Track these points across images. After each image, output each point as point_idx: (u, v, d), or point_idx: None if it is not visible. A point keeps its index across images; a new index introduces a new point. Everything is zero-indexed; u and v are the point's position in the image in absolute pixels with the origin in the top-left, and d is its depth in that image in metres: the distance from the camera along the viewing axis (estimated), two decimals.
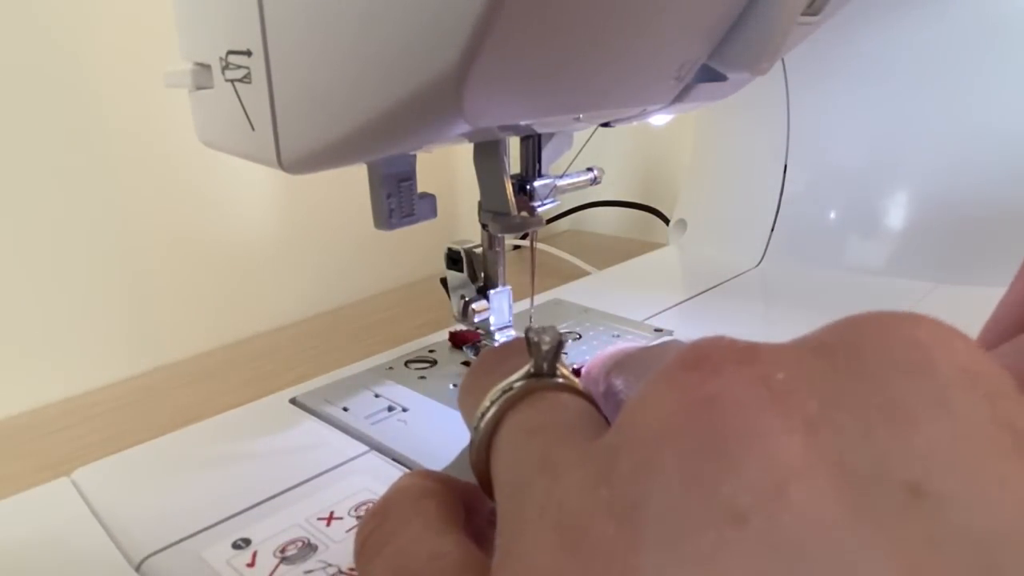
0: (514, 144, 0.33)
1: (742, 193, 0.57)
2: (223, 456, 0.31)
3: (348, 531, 0.26)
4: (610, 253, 0.66)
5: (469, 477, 0.15)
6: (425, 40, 0.18)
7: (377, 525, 0.14)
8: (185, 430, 0.34)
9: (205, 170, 0.50)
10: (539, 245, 0.61)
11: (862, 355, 0.10)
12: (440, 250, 0.37)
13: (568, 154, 0.35)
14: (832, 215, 0.52)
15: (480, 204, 0.34)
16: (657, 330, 0.42)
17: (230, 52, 0.23)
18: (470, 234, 0.38)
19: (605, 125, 0.30)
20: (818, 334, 0.11)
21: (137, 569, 0.25)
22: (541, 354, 0.14)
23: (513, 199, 0.32)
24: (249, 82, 0.22)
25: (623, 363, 0.15)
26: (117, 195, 0.46)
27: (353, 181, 0.32)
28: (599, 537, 0.10)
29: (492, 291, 0.36)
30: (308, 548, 0.25)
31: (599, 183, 0.36)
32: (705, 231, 0.59)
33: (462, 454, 0.16)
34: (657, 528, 0.09)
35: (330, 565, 0.24)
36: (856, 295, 0.47)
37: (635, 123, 0.30)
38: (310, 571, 0.24)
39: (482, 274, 0.36)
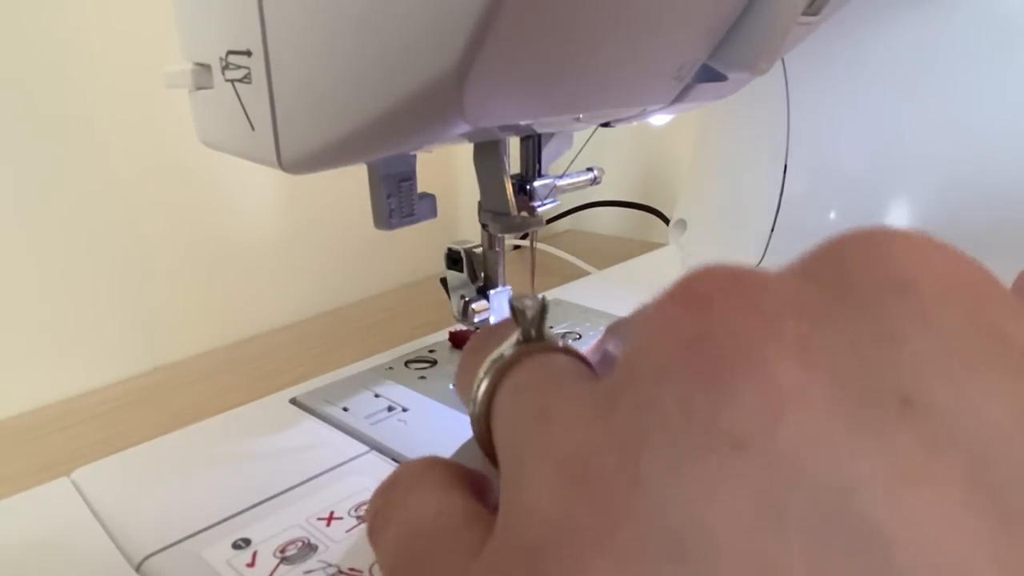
0: (514, 144, 0.33)
1: (742, 193, 0.57)
2: (223, 456, 0.31)
3: (348, 531, 0.26)
4: (610, 253, 0.66)
5: (472, 468, 0.15)
6: (425, 40, 0.18)
7: (385, 496, 0.15)
8: (185, 430, 0.34)
9: (206, 170, 0.50)
10: (539, 245, 0.61)
11: (848, 276, 0.10)
12: (440, 250, 0.37)
13: (568, 154, 0.35)
14: (832, 215, 0.52)
15: (480, 204, 0.34)
16: None
17: (230, 52, 0.23)
18: (470, 234, 0.38)
19: (605, 125, 0.30)
20: (805, 258, 0.11)
21: (137, 569, 0.25)
22: (527, 320, 0.14)
23: (513, 199, 0.32)
24: (249, 82, 0.22)
25: (615, 327, 0.15)
26: (117, 195, 0.46)
27: (353, 181, 0.32)
28: (600, 471, 0.10)
29: (492, 291, 0.36)
30: (308, 548, 0.25)
31: (599, 183, 0.36)
32: (705, 231, 0.59)
33: (462, 447, 0.16)
34: (657, 459, 0.09)
35: (330, 565, 0.24)
36: None
37: (635, 123, 0.30)
38: (310, 571, 0.24)
39: (482, 274, 0.36)
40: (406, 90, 0.19)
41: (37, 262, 0.44)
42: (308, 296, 0.58)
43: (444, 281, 0.38)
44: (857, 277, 0.10)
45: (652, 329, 0.11)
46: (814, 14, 0.25)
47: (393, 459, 0.30)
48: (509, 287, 0.37)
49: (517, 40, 0.18)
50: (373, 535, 0.14)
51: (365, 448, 0.31)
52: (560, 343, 0.14)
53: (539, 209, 0.33)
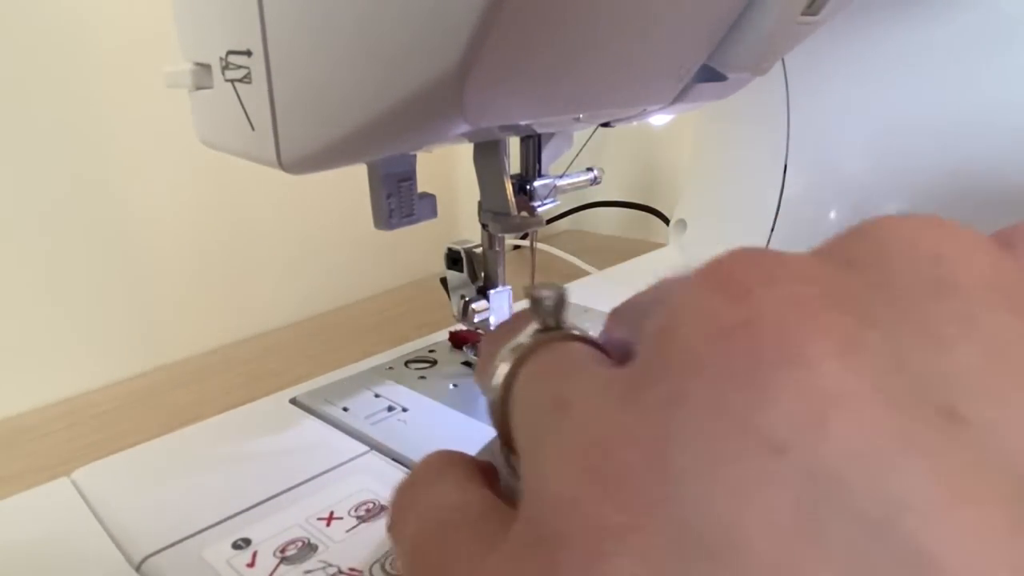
0: (514, 144, 0.33)
1: (742, 193, 0.57)
2: (223, 456, 0.31)
3: (348, 531, 0.26)
4: (610, 253, 0.66)
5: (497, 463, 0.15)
6: (425, 40, 0.18)
7: (406, 491, 0.15)
8: (185, 430, 0.34)
9: (205, 170, 0.50)
10: (539, 245, 0.61)
11: (889, 271, 0.10)
12: (440, 250, 0.37)
13: (568, 154, 0.35)
14: (832, 215, 0.52)
15: (480, 204, 0.34)
16: None
17: (230, 52, 0.23)
18: (470, 234, 0.38)
19: (605, 125, 0.30)
20: (842, 244, 0.11)
21: (137, 569, 0.25)
22: (545, 310, 0.14)
23: (513, 199, 0.32)
24: (249, 82, 0.22)
25: (624, 311, 0.15)
26: (117, 195, 0.46)
27: (353, 181, 0.32)
28: (624, 466, 0.09)
29: (492, 291, 0.36)
30: (308, 548, 0.25)
31: (599, 183, 0.36)
32: (705, 231, 0.59)
33: (483, 449, 0.16)
34: (687, 457, 0.09)
35: (330, 565, 0.24)
36: None
37: (635, 123, 0.30)
38: (310, 571, 0.24)
39: (482, 274, 0.36)
40: (406, 90, 0.19)
41: (37, 262, 0.44)
42: (308, 296, 0.58)
43: (444, 281, 0.38)
44: (899, 272, 0.10)
45: (682, 314, 0.10)
46: (814, 14, 0.25)
47: (393, 459, 0.30)
48: (509, 287, 0.37)
49: (517, 40, 0.18)
50: (394, 530, 0.14)
51: (365, 448, 0.31)
52: (578, 331, 0.14)
53: (539, 209, 0.33)
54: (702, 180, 0.61)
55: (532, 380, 0.13)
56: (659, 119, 0.31)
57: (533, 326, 0.14)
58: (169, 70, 0.26)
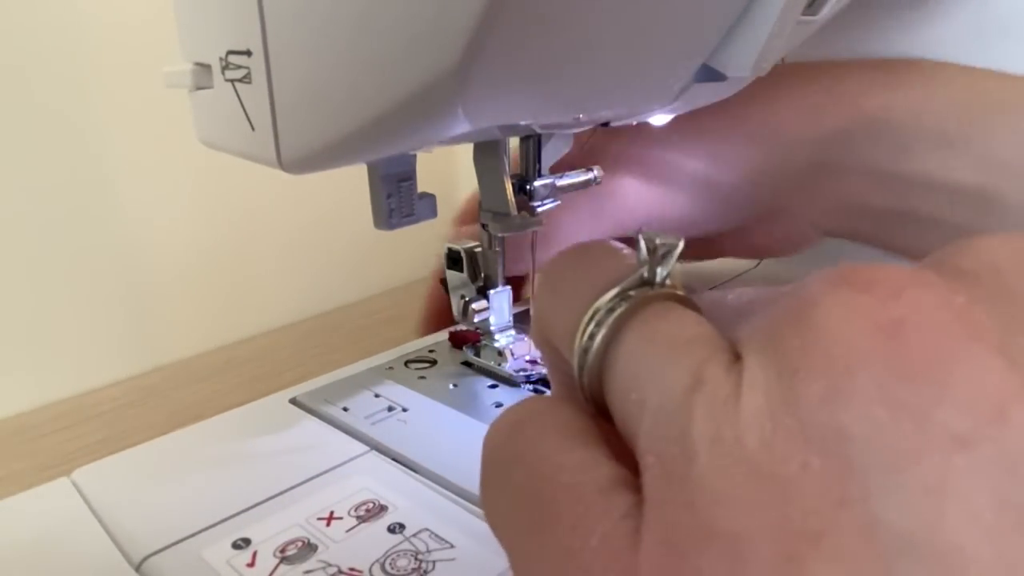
0: (514, 144, 0.33)
1: None
2: (223, 456, 0.31)
3: (348, 531, 0.26)
4: None
5: None
6: (425, 40, 0.18)
7: (508, 436, 0.14)
8: (185, 430, 0.34)
9: (205, 170, 0.50)
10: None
11: (1007, 282, 0.10)
12: (440, 250, 0.37)
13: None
14: None
15: (480, 204, 0.34)
16: None
17: (230, 52, 0.23)
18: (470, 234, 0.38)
19: (605, 125, 0.30)
20: (950, 259, 0.11)
21: (137, 569, 0.25)
22: (657, 260, 0.13)
23: (513, 199, 0.32)
24: (249, 82, 0.22)
25: (719, 305, 0.14)
26: (116, 194, 0.46)
27: (353, 181, 0.32)
28: (800, 470, 0.09)
29: (492, 291, 0.36)
30: (308, 548, 0.25)
31: (599, 183, 0.36)
32: None
33: None
34: (869, 457, 0.09)
35: (330, 565, 0.24)
36: None
37: (635, 123, 0.30)
38: (310, 571, 0.24)
39: (482, 274, 0.36)
40: (406, 90, 0.19)
41: (37, 262, 0.44)
42: (308, 296, 0.58)
43: (444, 281, 0.38)
44: (1017, 284, 0.10)
45: (828, 312, 0.10)
46: (814, 14, 0.25)
47: (393, 459, 0.30)
48: (509, 287, 0.37)
49: (517, 40, 0.18)
50: (491, 476, 0.13)
51: (365, 448, 0.31)
52: (685, 293, 0.13)
53: (539, 210, 0.33)
54: None
55: (653, 347, 0.12)
56: (659, 119, 0.31)
57: (638, 274, 0.13)
58: (169, 70, 0.26)
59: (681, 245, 0.13)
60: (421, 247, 0.61)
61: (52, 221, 0.44)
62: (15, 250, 0.43)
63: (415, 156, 0.29)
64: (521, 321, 0.38)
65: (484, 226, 0.34)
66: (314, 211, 0.57)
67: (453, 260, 0.37)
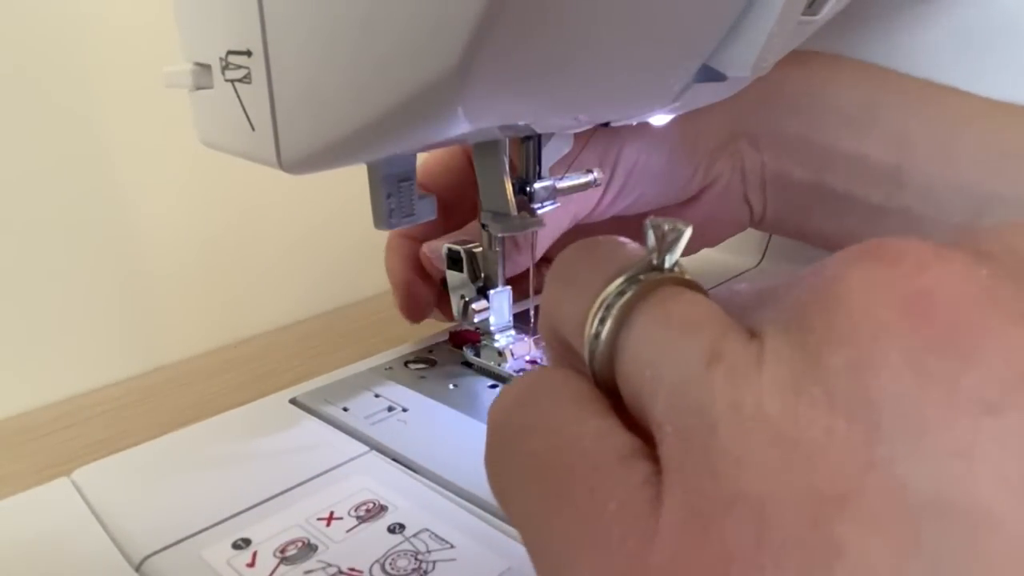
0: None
1: None
2: (223, 456, 0.31)
3: (348, 531, 0.26)
4: None
5: None
6: (425, 40, 0.18)
7: (520, 404, 0.14)
8: (185, 430, 0.34)
9: (205, 170, 0.50)
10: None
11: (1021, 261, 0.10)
12: (440, 250, 0.37)
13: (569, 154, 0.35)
14: None
15: (480, 204, 0.34)
16: None
17: (230, 52, 0.23)
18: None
19: (605, 125, 0.30)
20: (967, 242, 0.11)
21: (137, 569, 0.25)
22: (665, 246, 0.13)
23: (513, 199, 0.32)
24: (249, 82, 0.22)
25: (737, 296, 0.14)
26: (116, 195, 0.46)
27: (353, 181, 0.32)
28: (825, 435, 0.09)
29: (492, 291, 0.36)
30: (308, 548, 0.25)
31: (599, 185, 0.36)
32: None
33: None
34: (897, 422, 0.09)
35: (330, 565, 0.24)
36: None
37: (635, 123, 0.30)
38: (310, 571, 0.24)
39: (482, 274, 0.36)
40: (406, 90, 0.19)
41: (37, 261, 0.44)
42: (308, 296, 0.58)
43: (444, 281, 0.38)
44: None
45: (851, 284, 0.10)
46: (814, 14, 0.25)
47: (393, 459, 0.30)
48: (509, 287, 0.37)
49: (517, 40, 0.18)
50: (501, 446, 0.13)
51: (365, 448, 0.31)
52: (693, 279, 0.13)
53: (539, 211, 0.33)
54: None
55: (665, 329, 0.12)
56: (659, 119, 0.31)
57: (646, 260, 0.13)
58: (169, 70, 0.26)
59: (689, 231, 0.13)
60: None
61: (52, 221, 0.44)
62: (15, 250, 0.43)
63: (415, 156, 0.29)
64: (521, 321, 0.38)
65: (484, 226, 0.34)
66: (314, 211, 0.57)
67: (453, 260, 0.37)
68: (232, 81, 0.23)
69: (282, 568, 0.24)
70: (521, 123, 0.25)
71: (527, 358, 0.37)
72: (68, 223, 0.45)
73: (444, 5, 0.17)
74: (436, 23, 0.17)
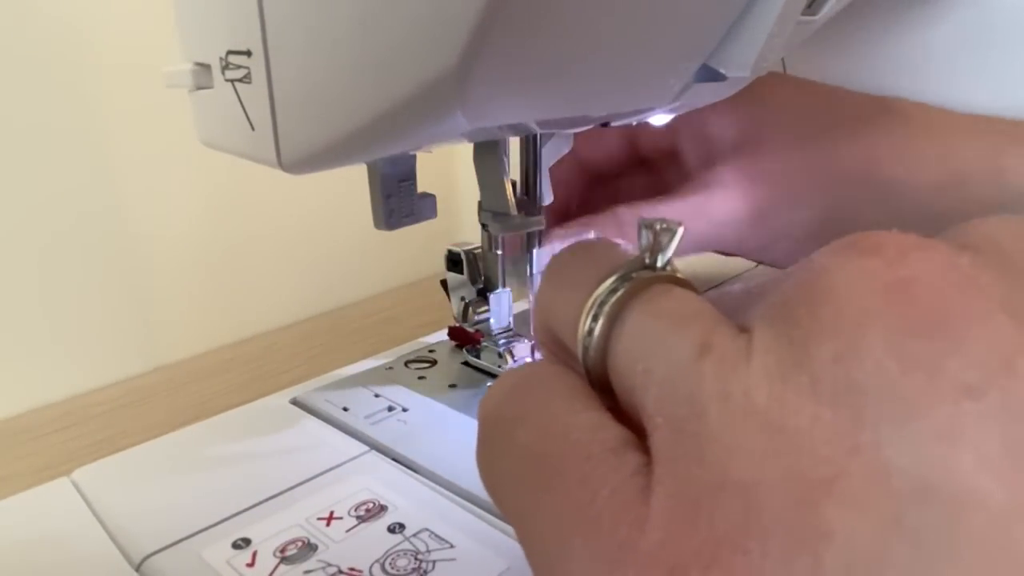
0: (514, 144, 0.33)
1: None
2: (223, 456, 0.31)
3: (348, 531, 0.26)
4: None
5: None
6: (425, 40, 0.18)
7: (512, 397, 0.14)
8: (185, 430, 0.34)
9: (205, 170, 0.50)
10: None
11: (1006, 251, 0.11)
12: (440, 250, 0.37)
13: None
14: None
15: (480, 204, 0.34)
16: None
17: (230, 52, 0.23)
18: (470, 234, 0.38)
19: (605, 125, 0.30)
20: (949, 237, 0.11)
21: (137, 569, 0.25)
22: (658, 244, 0.13)
23: (513, 199, 0.32)
24: (249, 82, 0.22)
25: (727, 296, 0.14)
26: (116, 195, 0.46)
27: (353, 181, 0.32)
28: (811, 421, 0.10)
29: (492, 293, 0.36)
30: (308, 548, 0.25)
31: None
32: None
33: None
34: (881, 408, 0.09)
35: (330, 565, 0.24)
36: None
37: (635, 123, 0.30)
38: (310, 571, 0.24)
39: (482, 276, 0.36)
40: (406, 90, 0.19)
41: (37, 262, 0.44)
42: (308, 296, 0.58)
43: (444, 283, 0.38)
44: (1011, 252, 0.11)
45: (836, 276, 0.10)
46: (814, 14, 0.25)
47: (393, 459, 0.30)
48: (509, 289, 0.37)
49: (517, 40, 0.18)
50: (493, 438, 0.13)
51: (365, 448, 0.31)
52: (684, 277, 0.13)
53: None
54: None
55: (657, 322, 0.12)
56: (659, 119, 0.31)
57: (639, 258, 0.13)
58: (169, 70, 0.26)
59: (681, 231, 0.13)
60: (421, 247, 0.61)
61: (52, 221, 0.44)
62: (15, 250, 0.43)
63: (415, 156, 0.29)
64: (521, 322, 0.38)
65: (484, 226, 0.34)
66: (314, 211, 0.57)
67: (453, 262, 0.37)
68: (232, 81, 0.23)
69: (282, 568, 0.24)
70: (521, 123, 0.25)
71: (527, 360, 0.37)
72: (68, 223, 0.45)
73: (444, 5, 0.17)
74: (436, 23, 0.17)
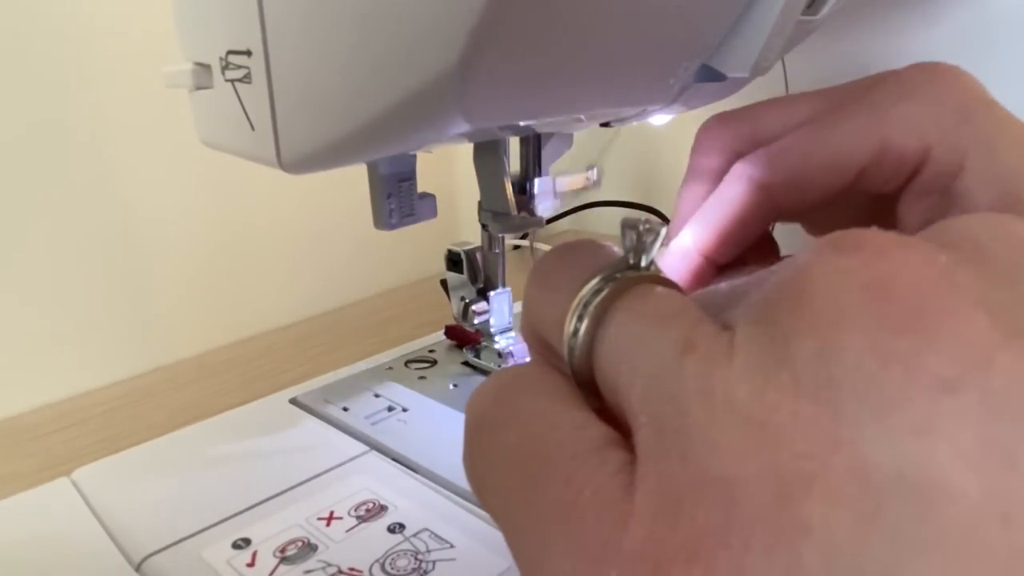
0: (514, 144, 0.33)
1: None
2: (223, 456, 0.31)
3: (348, 531, 0.26)
4: None
5: None
6: (425, 40, 0.18)
7: (497, 398, 0.14)
8: (185, 430, 0.34)
9: (205, 170, 0.50)
10: (539, 245, 0.61)
11: (985, 247, 0.11)
12: (440, 250, 0.37)
13: (570, 153, 0.35)
14: None
15: (480, 204, 0.34)
16: None
17: (230, 52, 0.23)
18: (470, 234, 0.39)
19: (605, 125, 0.30)
20: (932, 234, 0.11)
21: (137, 569, 0.25)
22: (641, 244, 0.13)
23: (513, 199, 0.32)
24: (249, 82, 0.22)
25: (712, 295, 0.14)
26: (117, 195, 0.46)
27: (353, 181, 0.32)
28: (792, 417, 0.10)
29: (492, 292, 0.36)
30: (308, 548, 0.25)
31: (597, 184, 0.36)
32: None
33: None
34: (859, 403, 0.09)
35: (330, 565, 0.24)
36: None
37: (635, 123, 0.30)
38: (310, 571, 0.24)
39: (482, 276, 0.36)
40: (406, 90, 0.19)
41: (38, 262, 0.44)
42: (308, 296, 0.58)
43: (444, 283, 0.38)
44: (998, 253, 0.11)
45: (817, 274, 0.10)
46: (814, 14, 0.25)
47: (393, 459, 0.30)
48: (509, 288, 0.37)
49: (517, 40, 0.18)
50: (479, 439, 0.14)
51: (365, 448, 0.31)
52: (667, 277, 0.14)
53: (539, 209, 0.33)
54: None
55: (641, 322, 0.12)
56: (659, 119, 0.30)
57: (623, 259, 0.13)
58: (169, 70, 0.26)
59: (664, 231, 0.14)
60: (421, 247, 0.61)
61: (53, 222, 0.44)
62: (16, 251, 0.43)
63: (415, 156, 0.29)
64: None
65: (484, 226, 0.34)
66: (314, 212, 0.57)
67: (453, 262, 0.37)
68: (232, 81, 0.23)
69: (282, 568, 0.24)
70: (521, 123, 0.25)
71: (527, 360, 0.37)
72: (69, 224, 0.45)
73: (444, 5, 0.17)
74: (436, 23, 0.17)
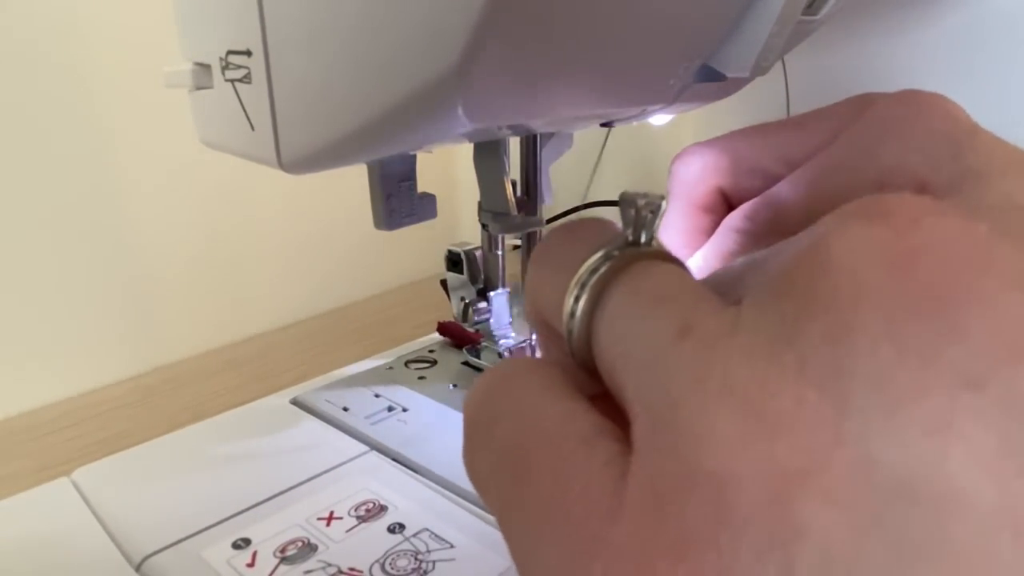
0: (514, 144, 0.33)
1: None
2: (223, 456, 0.31)
3: (348, 531, 0.26)
4: None
5: None
6: (425, 40, 0.18)
7: (490, 394, 0.13)
8: (185, 430, 0.34)
9: (205, 170, 0.50)
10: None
11: (1011, 220, 0.10)
12: (440, 250, 0.37)
13: (570, 153, 0.35)
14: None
15: (480, 204, 0.34)
16: None
17: (230, 52, 0.23)
18: (470, 234, 0.39)
19: (605, 125, 0.30)
20: (970, 192, 0.10)
21: (137, 569, 0.25)
22: (641, 219, 0.13)
23: (513, 199, 0.32)
24: (249, 82, 0.22)
25: (722, 275, 0.14)
26: (117, 195, 0.46)
27: (353, 181, 0.32)
28: (793, 405, 0.09)
29: (492, 293, 0.36)
30: (308, 548, 0.25)
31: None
32: None
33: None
34: (870, 394, 0.08)
35: (330, 565, 0.24)
36: None
37: (635, 123, 0.30)
38: (310, 571, 0.24)
39: (482, 276, 0.36)
40: (406, 90, 0.19)
41: (38, 262, 0.44)
42: (308, 296, 0.58)
43: (444, 283, 0.38)
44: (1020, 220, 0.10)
45: (838, 245, 0.09)
46: (814, 14, 0.25)
47: (393, 459, 0.30)
48: (509, 288, 0.37)
49: (517, 40, 0.18)
50: (475, 432, 0.13)
51: (365, 448, 0.31)
52: (670, 252, 0.13)
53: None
54: None
55: (638, 301, 0.12)
56: (659, 119, 0.30)
57: (623, 236, 0.13)
58: (169, 70, 0.26)
59: (665, 204, 0.13)
60: (421, 247, 0.61)
61: (53, 222, 0.44)
62: (16, 251, 0.43)
63: (415, 156, 0.29)
64: (522, 322, 0.38)
65: (484, 226, 0.34)
66: (315, 212, 0.57)
67: (453, 262, 0.37)
68: (232, 81, 0.23)
69: (282, 568, 0.24)
70: (521, 123, 0.25)
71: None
72: (69, 224, 0.45)
73: (444, 5, 0.17)
74: (436, 23, 0.17)
